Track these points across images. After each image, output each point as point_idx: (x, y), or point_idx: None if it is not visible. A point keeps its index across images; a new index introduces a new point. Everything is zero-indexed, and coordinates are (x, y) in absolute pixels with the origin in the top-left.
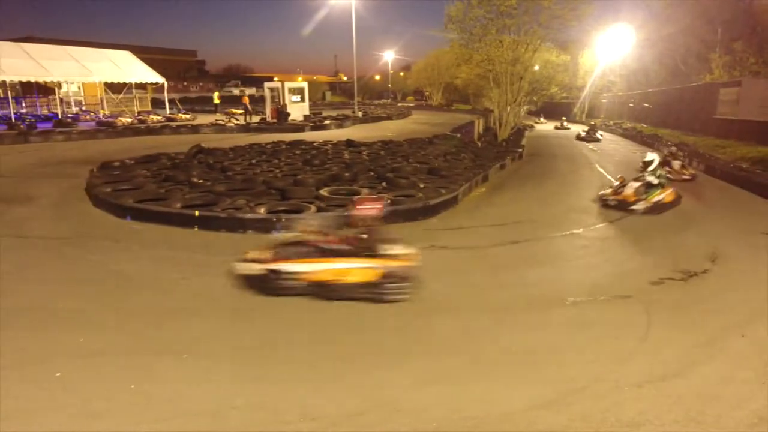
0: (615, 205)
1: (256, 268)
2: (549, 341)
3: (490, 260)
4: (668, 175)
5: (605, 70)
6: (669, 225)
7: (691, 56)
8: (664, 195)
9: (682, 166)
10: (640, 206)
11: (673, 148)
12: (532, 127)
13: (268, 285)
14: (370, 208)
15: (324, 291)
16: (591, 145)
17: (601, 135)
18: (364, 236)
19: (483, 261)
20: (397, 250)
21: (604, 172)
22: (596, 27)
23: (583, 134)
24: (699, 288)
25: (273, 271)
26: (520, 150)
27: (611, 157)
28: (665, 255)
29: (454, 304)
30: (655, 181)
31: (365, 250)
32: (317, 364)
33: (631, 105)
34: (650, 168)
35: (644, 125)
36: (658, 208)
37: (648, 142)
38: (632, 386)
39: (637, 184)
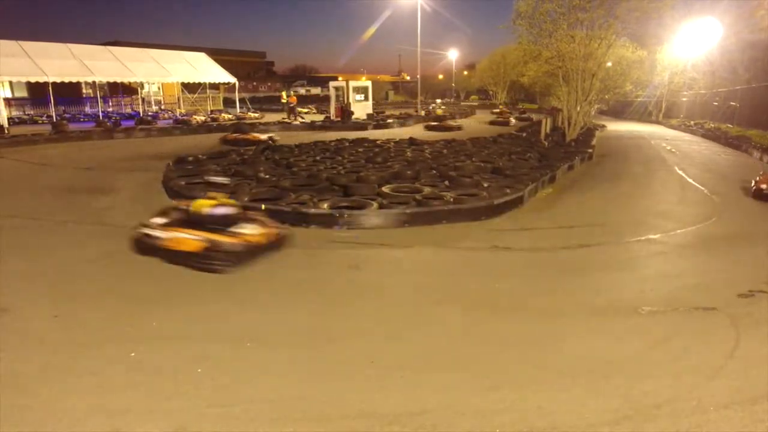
0: None
1: (141, 231)
2: (621, 352)
3: (556, 264)
4: None
5: (686, 66)
6: (761, 233)
7: None
8: None
9: None
10: None
11: None
12: (603, 126)
13: (139, 246)
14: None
15: (166, 256)
16: (668, 146)
17: None
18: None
19: (549, 264)
20: (246, 229)
21: (684, 175)
22: (678, 20)
23: None
24: None
25: (147, 235)
26: (590, 150)
27: (692, 159)
28: (756, 265)
29: (516, 307)
30: None
31: (215, 225)
32: (379, 360)
33: (715, 104)
34: None
35: (729, 126)
36: None
37: (735, 143)
38: (718, 407)
39: None
